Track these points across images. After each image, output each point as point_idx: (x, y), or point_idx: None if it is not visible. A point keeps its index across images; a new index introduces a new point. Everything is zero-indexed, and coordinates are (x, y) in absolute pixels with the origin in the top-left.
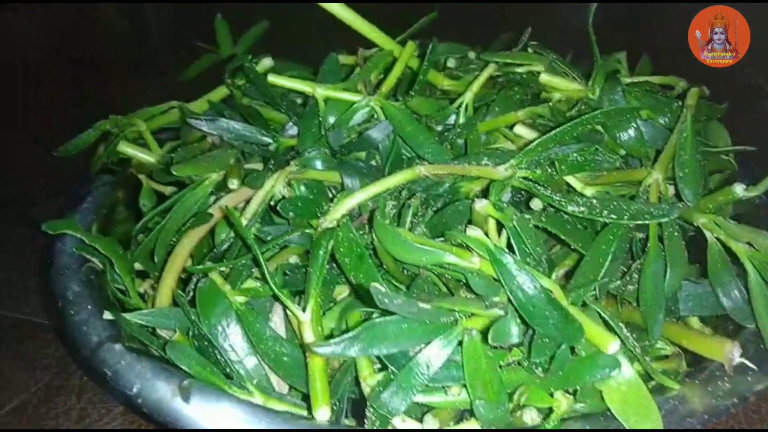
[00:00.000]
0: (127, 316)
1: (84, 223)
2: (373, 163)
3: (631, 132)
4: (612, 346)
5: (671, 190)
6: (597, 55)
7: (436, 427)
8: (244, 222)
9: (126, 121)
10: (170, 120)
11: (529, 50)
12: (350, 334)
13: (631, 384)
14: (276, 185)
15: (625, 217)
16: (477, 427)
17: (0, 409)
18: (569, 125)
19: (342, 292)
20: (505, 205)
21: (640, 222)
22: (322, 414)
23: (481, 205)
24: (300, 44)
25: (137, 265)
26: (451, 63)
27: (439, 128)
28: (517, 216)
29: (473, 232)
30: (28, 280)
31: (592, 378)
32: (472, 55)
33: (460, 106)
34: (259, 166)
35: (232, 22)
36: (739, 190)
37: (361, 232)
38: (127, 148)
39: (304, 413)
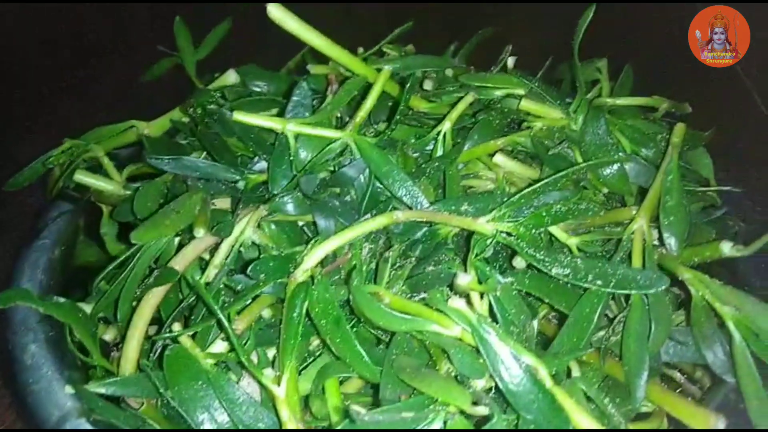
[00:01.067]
0: (91, 387)
1: (44, 259)
2: (348, 198)
3: (615, 168)
4: None
5: (655, 233)
6: (581, 82)
7: None
8: (213, 272)
9: (82, 146)
10: (129, 140)
11: (509, 66)
12: None
13: None
14: (245, 231)
15: (611, 284)
16: None
17: None
18: (553, 179)
19: (316, 339)
20: (487, 268)
21: (624, 291)
22: None
23: (464, 282)
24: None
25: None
26: (428, 86)
27: (416, 155)
28: (501, 284)
29: (455, 303)
30: None
31: None
32: (449, 72)
33: (438, 134)
34: (227, 202)
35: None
36: (726, 248)
37: (336, 276)
38: (84, 177)
39: None
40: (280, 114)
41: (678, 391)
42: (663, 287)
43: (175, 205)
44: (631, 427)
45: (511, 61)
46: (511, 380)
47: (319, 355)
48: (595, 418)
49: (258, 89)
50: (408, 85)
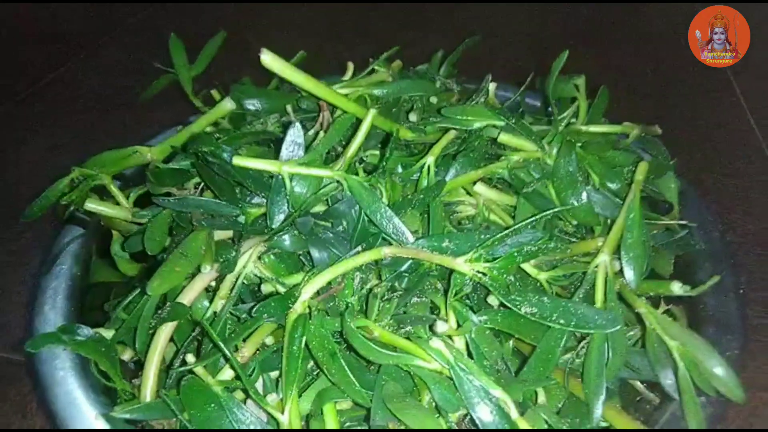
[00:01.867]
0: (117, 413)
1: (63, 285)
2: (341, 229)
3: (582, 202)
4: None
5: (617, 265)
6: (556, 116)
7: None
8: (219, 303)
9: (90, 173)
10: (133, 164)
11: (491, 92)
12: None
13: None
14: (247, 265)
15: (572, 323)
16: None
17: None
18: (525, 223)
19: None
20: (463, 310)
21: (583, 331)
22: None
23: (443, 330)
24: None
25: None
26: (413, 117)
27: (403, 184)
28: (475, 326)
29: (435, 343)
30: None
31: None
32: (434, 100)
33: (423, 166)
34: (228, 233)
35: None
36: (676, 288)
37: (331, 303)
38: (94, 205)
39: None
40: (274, 144)
41: (638, 398)
42: (618, 327)
43: (183, 248)
44: None
45: (492, 87)
46: (481, 411)
47: (317, 374)
48: None
49: (252, 107)
50: (394, 134)
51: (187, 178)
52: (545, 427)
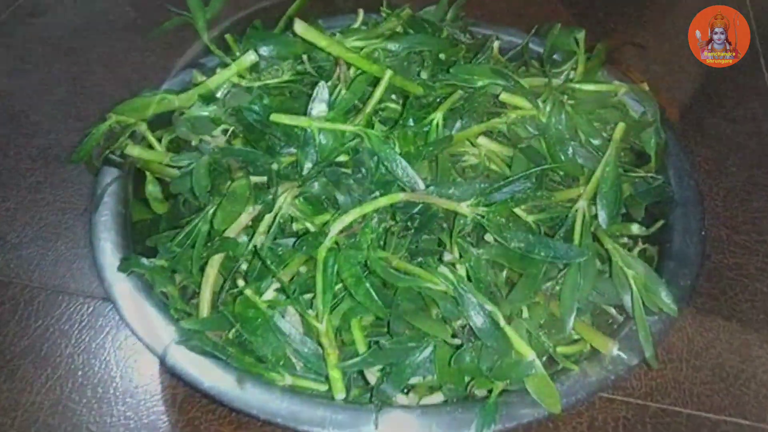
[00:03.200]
0: (185, 324)
1: (111, 221)
2: (361, 176)
3: (570, 153)
4: (530, 356)
5: (593, 210)
6: (550, 78)
7: (416, 400)
8: (260, 238)
9: (127, 120)
10: (163, 109)
11: (495, 49)
12: (362, 356)
13: (540, 377)
14: (283, 206)
15: (551, 256)
16: (442, 398)
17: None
18: (519, 175)
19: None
20: (465, 244)
21: (559, 261)
22: (340, 396)
23: (448, 258)
24: None
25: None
26: (424, 75)
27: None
28: (474, 256)
29: (442, 269)
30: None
31: (519, 375)
32: (443, 56)
33: (432, 121)
34: (262, 178)
35: None
36: (635, 228)
37: (353, 240)
38: (135, 151)
39: (325, 387)
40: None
41: (609, 320)
42: (584, 258)
43: (233, 192)
44: (560, 350)
45: (496, 46)
46: (477, 321)
47: (343, 297)
48: (530, 344)
49: (266, 54)
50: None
51: (217, 125)
52: (526, 334)
